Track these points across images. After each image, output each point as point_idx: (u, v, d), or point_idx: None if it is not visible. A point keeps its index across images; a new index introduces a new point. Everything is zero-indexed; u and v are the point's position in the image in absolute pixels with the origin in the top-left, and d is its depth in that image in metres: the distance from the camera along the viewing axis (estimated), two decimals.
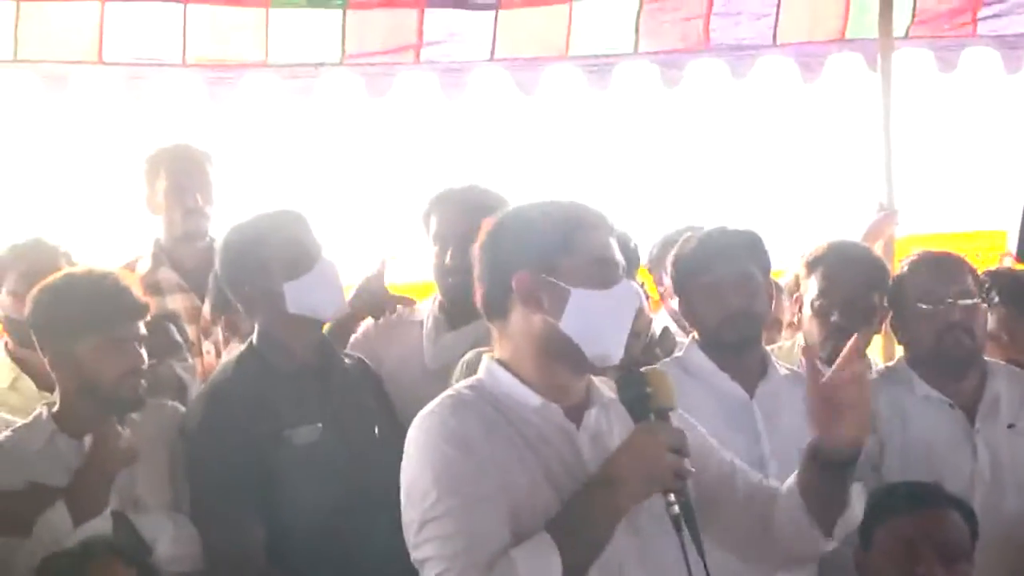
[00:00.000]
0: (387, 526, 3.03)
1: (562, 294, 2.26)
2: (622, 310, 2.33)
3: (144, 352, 3.06)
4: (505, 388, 2.34)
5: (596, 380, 2.42)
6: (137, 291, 3.11)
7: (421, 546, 2.25)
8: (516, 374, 2.34)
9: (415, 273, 4.21)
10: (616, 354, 2.34)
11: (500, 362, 2.38)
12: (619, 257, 2.33)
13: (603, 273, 2.29)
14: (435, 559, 2.22)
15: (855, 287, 3.52)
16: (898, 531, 2.78)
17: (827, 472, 2.31)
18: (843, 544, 2.89)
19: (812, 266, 3.60)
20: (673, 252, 3.37)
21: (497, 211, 3.43)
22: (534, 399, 2.31)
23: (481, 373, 2.40)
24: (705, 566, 2.17)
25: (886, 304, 3.48)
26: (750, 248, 3.24)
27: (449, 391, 2.39)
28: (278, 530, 3.05)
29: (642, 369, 2.29)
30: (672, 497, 2.18)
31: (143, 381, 3.05)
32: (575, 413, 2.34)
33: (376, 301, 3.60)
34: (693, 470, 2.20)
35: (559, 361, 2.32)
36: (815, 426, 2.30)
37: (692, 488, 2.23)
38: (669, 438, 2.18)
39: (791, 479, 2.41)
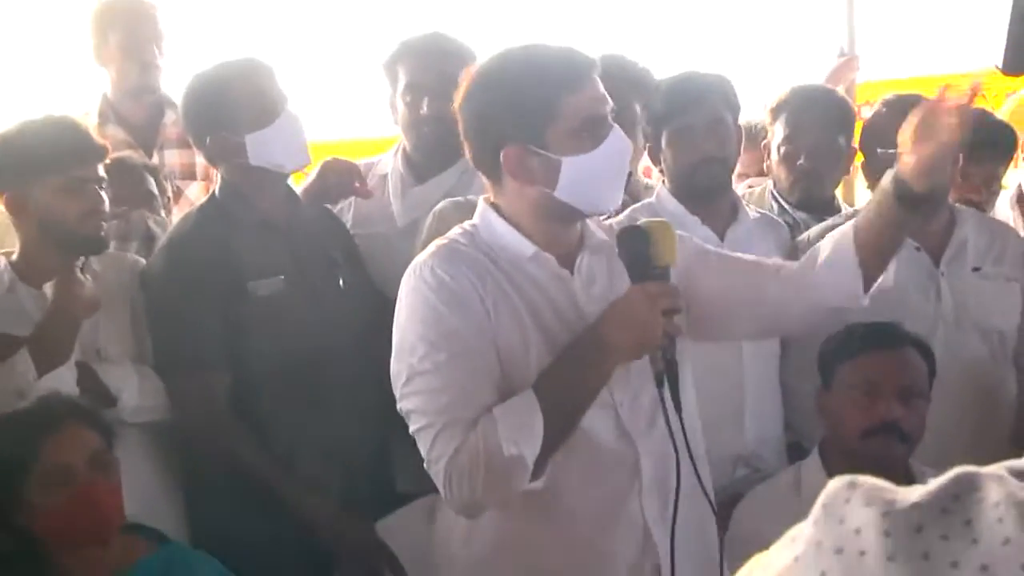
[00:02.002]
0: (350, 377, 3.07)
1: (553, 164, 2.22)
2: (615, 162, 2.30)
3: (104, 194, 3.01)
4: (499, 235, 2.32)
5: (589, 222, 2.40)
6: (95, 134, 3.07)
7: (408, 397, 2.26)
8: (510, 220, 2.32)
9: (371, 128, 4.15)
10: (613, 203, 2.35)
11: (495, 207, 2.35)
12: (607, 105, 2.27)
13: (592, 132, 2.24)
14: (419, 412, 2.24)
15: (820, 130, 3.52)
16: (858, 370, 2.83)
17: (900, 204, 2.27)
18: (809, 383, 2.97)
19: (776, 112, 3.60)
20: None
21: (468, 61, 3.41)
22: (528, 248, 2.30)
23: (476, 218, 2.37)
24: (682, 423, 2.20)
25: (854, 146, 3.48)
26: (721, 92, 3.21)
27: (443, 239, 2.36)
28: (241, 381, 3.05)
29: (643, 223, 2.26)
30: (659, 353, 2.18)
31: (104, 223, 3.02)
32: (569, 259, 2.34)
33: (340, 189, 3.47)
34: (682, 332, 2.19)
35: (557, 218, 2.31)
36: (903, 147, 2.26)
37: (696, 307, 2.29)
38: (664, 300, 2.16)
39: (845, 228, 2.37)
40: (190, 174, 4.04)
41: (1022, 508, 0.71)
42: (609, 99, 2.29)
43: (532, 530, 2.32)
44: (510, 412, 2.18)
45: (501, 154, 2.24)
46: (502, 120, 2.24)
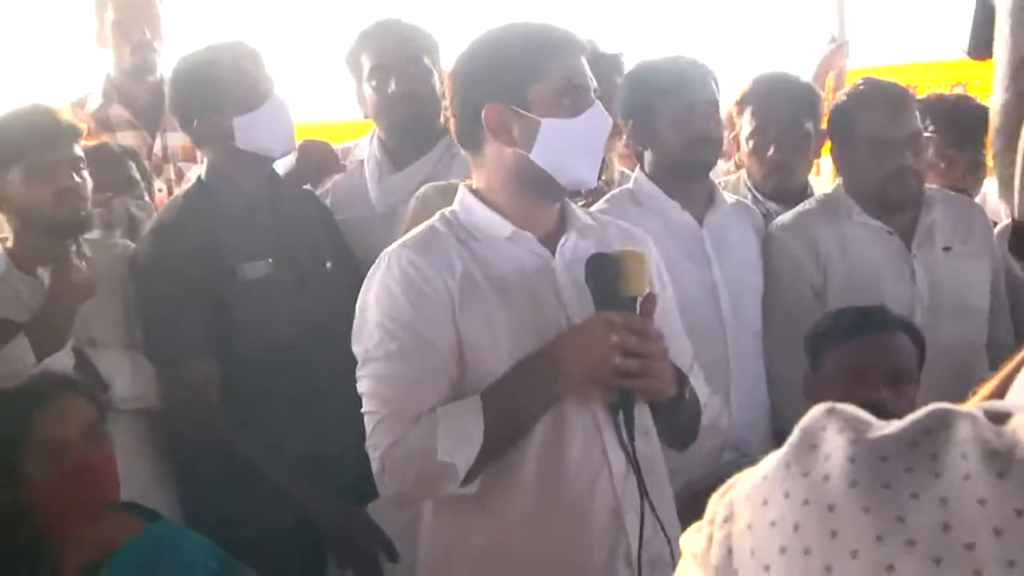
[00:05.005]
0: (337, 360, 3.07)
1: (532, 125, 2.24)
2: (593, 135, 2.31)
3: (83, 174, 3.01)
4: (478, 218, 2.33)
5: (572, 205, 2.42)
6: (66, 115, 3.08)
7: (361, 380, 2.29)
8: (490, 203, 2.33)
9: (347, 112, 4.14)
10: (590, 179, 2.35)
11: (474, 192, 2.36)
12: (590, 80, 2.30)
13: (573, 99, 2.26)
14: (368, 396, 2.27)
15: (786, 119, 3.51)
16: (847, 355, 2.81)
17: (661, 414, 2.34)
18: (793, 368, 2.98)
19: (742, 105, 3.59)
20: (628, 74, 3.31)
21: (428, 42, 3.42)
22: (506, 228, 2.31)
23: (456, 203, 2.38)
24: (635, 456, 2.21)
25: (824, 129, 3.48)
26: (714, 76, 3.22)
27: (424, 225, 2.38)
28: (230, 365, 3.06)
29: (615, 252, 2.24)
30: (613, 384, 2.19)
31: (85, 204, 3.02)
32: (551, 240, 2.34)
33: (321, 166, 3.52)
34: (637, 366, 2.16)
35: (533, 190, 2.31)
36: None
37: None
38: (623, 334, 2.14)
39: None
40: (192, 157, 4.04)
41: (986, 446, 0.72)
42: (594, 81, 2.30)
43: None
44: (452, 417, 2.19)
45: (483, 112, 2.25)
46: (486, 79, 2.27)
